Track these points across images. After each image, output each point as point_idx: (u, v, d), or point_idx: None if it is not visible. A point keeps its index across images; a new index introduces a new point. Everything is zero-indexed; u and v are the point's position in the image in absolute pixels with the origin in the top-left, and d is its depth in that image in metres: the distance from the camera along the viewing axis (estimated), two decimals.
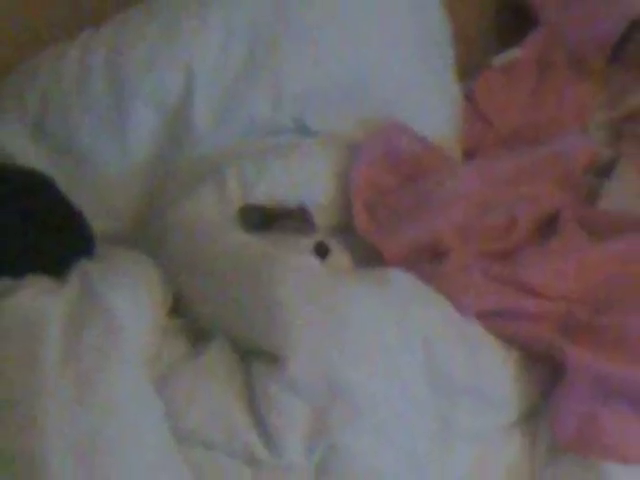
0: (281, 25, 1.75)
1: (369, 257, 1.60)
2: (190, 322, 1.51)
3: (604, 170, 1.76)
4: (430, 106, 1.87)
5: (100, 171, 1.73)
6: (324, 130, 1.77)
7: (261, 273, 1.45)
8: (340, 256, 1.61)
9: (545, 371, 1.42)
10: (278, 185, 1.67)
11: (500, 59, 2.00)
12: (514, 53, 2.00)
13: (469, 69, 1.97)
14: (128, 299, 1.44)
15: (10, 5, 1.80)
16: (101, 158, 1.73)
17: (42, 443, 1.25)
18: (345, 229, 1.66)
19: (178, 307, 1.53)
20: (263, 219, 1.62)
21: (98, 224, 1.64)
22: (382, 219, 1.65)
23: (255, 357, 1.40)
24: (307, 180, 1.69)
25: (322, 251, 1.59)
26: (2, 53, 1.79)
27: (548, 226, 1.66)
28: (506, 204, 1.66)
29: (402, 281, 1.47)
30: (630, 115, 1.86)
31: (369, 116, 1.78)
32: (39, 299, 1.42)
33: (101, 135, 1.73)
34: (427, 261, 1.56)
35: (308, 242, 1.59)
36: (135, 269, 1.53)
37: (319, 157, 1.73)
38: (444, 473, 1.38)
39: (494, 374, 1.42)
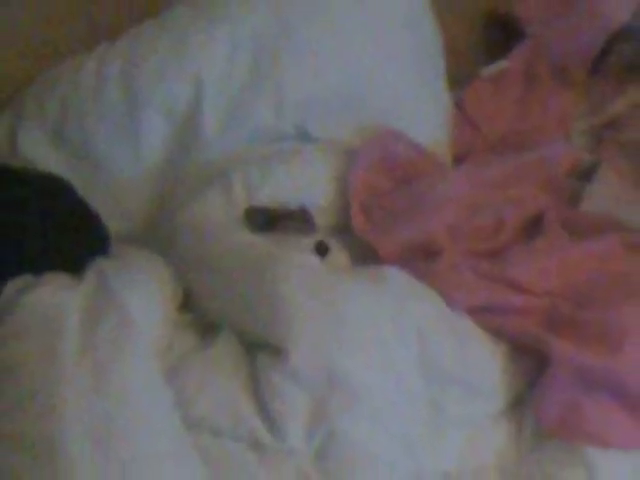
0: (283, 38, 1.74)
1: (366, 256, 1.59)
2: (199, 316, 1.51)
3: (585, 174, 1.75)
4: (423, 114, 1.86)
5: (115, 175, 1.73)
6: (324, 137, 1.77)
7: (265, 271, 1.44)
8: (339, 255, 1.60)
9: (531, 362, 1.41)
10: (281, 188, 1.66)
11: (488, 70, 2.00)
12: (501, 64, 2.00)
13: (459, 79, 1.96)
14: (141, 295, 1.43)
15: (32, 20, 1.78)
16: (115, 163, 1.73)
17: (61, 428, 1.24)
18: (343, 229, 1.65)
19: (187, 302, 1.53)
20: (267, 220, 1.61)
21: (113, 225, 1.64)
22: (378, 220, 1.64)
23: (259, 349, 1.39)
24: (308, 184, 1.69)
25: (322, 250, 1.58)
26: (24, 65, 1.78)
27: (533, 227, 1.65)
28: (494, 206, 1.66)
29: (397, 278, 1.47)
30: (610, 122, 1.86)
31: (366, 123, 1.77)
32: (58, 295, 1.41)
33: (116, 141, 1.72)
34: (420, 259, 1.55)
35: (309, 242, 1.59)
36: (147, 267, 1.52)
37: (319, 162, 1.72)
38: (436, 457, 1.36)
39: (483, 365, 1.41)
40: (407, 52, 1.84)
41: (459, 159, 1.88)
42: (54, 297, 1.41)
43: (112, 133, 1.72)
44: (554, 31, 2.00)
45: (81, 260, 1.51)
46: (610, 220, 1.62)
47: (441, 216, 1.62)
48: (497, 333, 1.43)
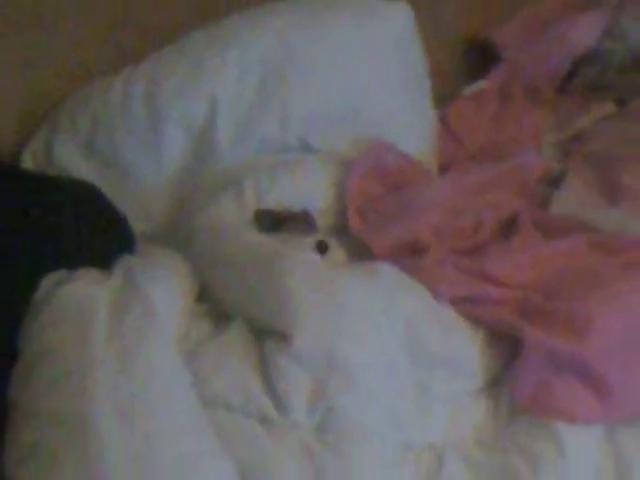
0: (287, 62, 1.74)
1: (361, 253, 1.59)
2: (213, 307, 1.50)
3: (554, 181, 1.75)
4: (411, 128, 1.86)
5: (139, 182, 1.73)
6: (324, 148, 1.76)
7: (273, 266, 1.44)
8: (337, 252, 1.60)
9: (506, 347, 1.40)
10: (286, 194, 1.66)
11: (469, 90, 2.00)
12: (480, 85, 2.00)
13: (443, 98, 1.96)
14: (162, 288, 1.43)
15: (66, 45, 1.78)
16: (140, 171, 1.73)
17: (91, 406, 1.23)
18: (341, 230, 1.65)
19: (203, 294, 1.52)
20: (273, 222, 1.61)
21: (137, 226, 1.64)
22: (371, 221, 1.64)
23: (267, 335, 1.38)
24: (310, 190, 1.69)
25: (322, 248, 1.58)
26: (59, 84, 1.78)
27: (508, 227, 1.65)
28: (474, 209, 1.65)
29: (388, 273, 1.46)
30: (575, 136, 1.86)
31: (361, 137, 1.77)
32: (89, 288, 1.41)
33: (140, 152, 1.72)
34: (409, 256, 1.55)
35: (310, 241, 1.58)
36: (168, 263, 1.52)
37: (320, 171, 1.72)
38: (422, 430, 1.36)
39: (464, 349, 1.41)
40: (397, 74, 1.84)
41: (443, 168, 1.88)
42: (86, 290, 1.41)
43: (137, 145, 1.72)
44: (527, 55, 2.00)
45: (110, 257, 1.50)
46: (576, 222, 1.62)
47: (427, 218, 1.62)
48: (476, 321, 1.43)
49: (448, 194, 1.69)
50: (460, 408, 1.39)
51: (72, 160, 1.73)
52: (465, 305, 1.44)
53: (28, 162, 1.75)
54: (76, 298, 1.39)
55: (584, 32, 2.01)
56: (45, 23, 1.76)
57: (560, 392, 1.33)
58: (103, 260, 1.49)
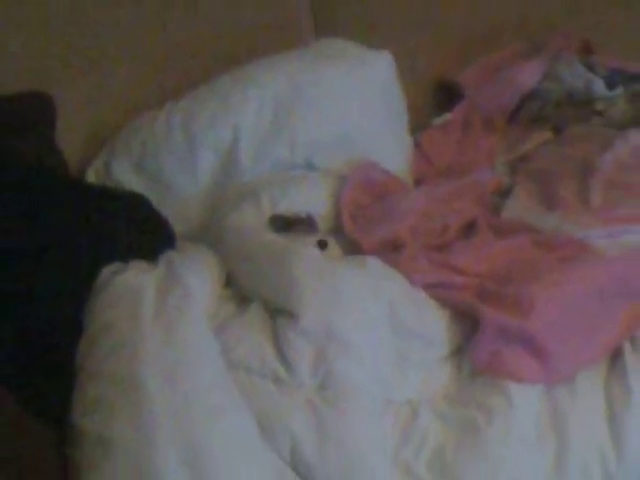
0: (295, 99, 1.74)
1: (353, 249, 1.58)
2: (237, 292, 1.50)
3: (504, 193, 1.74)
4: (392, 151, 1.85)
5: (178, 194, 1.72)
6: (324, 167, 1.76)
7: (283, 260, 1.44)
8: (334, 248, 1.60)
9: (467, 323, 1.40)
10: (294, 202, 1.65)
11: (438, 120, 1.99)
12: (447, 117, 1.99)
13: (417, 127, 1.95)
14: (197, 276, 1.43)
15: (120, 84, 1.78)
16: (179, 185, 1.72)
17: (141, 369, 1.24)
18: (337, 231, 1.64)
19: (229, 282, 1.52)
20: (284, 224, 1.61)
21: (177, 228, 1.63)
22: (361, 224, 1.63)
23: (279, 314, 1.38)
24: (312, 199, 1.68)
25: (322, 245, 1.58)
26: (115, 117, 1.78)
27: (469, 229, 1.65)
28: (442, 215, 1.65)
29: (375, 264, 1.46)
30: (521, 157, 1.86)
31: (353, 158, 1.76)
32: (139, 276, 1.41)
33: (179, 170, 1.72)
34: (390, 251, 1.54)
35: (313, 239, 1.58)
36: (201, 257, 1.52)
37: (320, 184, 1.72)
38: (402, 389, 1.36)
39: (434, 325, 1.41)
40: (381, 109, 1.83)
41: (417, 182, 1.87)
42: (136, 278, 1.41)
43: (176, 164, 1.72)
44: (483, 93, 1.99)
45: (155, 252, 1.50)
46: (522, 224, 1.61)
47: (405, 221, 1.61)
48: (444, 303, 1.43)
49: (421, 202, 1.68)
50: (431, 372, 1.39)
51: (126, 176, 1.73)
52: (435, 290, 1.44)
53: (91, 177, 1.74)
54: (128, 284, 1.39)
55: (528, 75, 2.00)
56: (105, 68, 1.77)
57: (509, 358, 1.33)
58: (150, 254, 1.49)
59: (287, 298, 1.38)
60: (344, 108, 1.77)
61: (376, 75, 1.82)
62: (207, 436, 1.19)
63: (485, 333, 1.35)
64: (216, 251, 1.55)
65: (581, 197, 1.65)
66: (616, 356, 1.33)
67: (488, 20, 2.05)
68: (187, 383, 1.24)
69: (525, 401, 1.29)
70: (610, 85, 1.91)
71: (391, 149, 1.85)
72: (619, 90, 1.95)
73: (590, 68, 1.99)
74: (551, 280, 1.40)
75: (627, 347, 1.33)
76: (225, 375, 1.30)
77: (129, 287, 1.39)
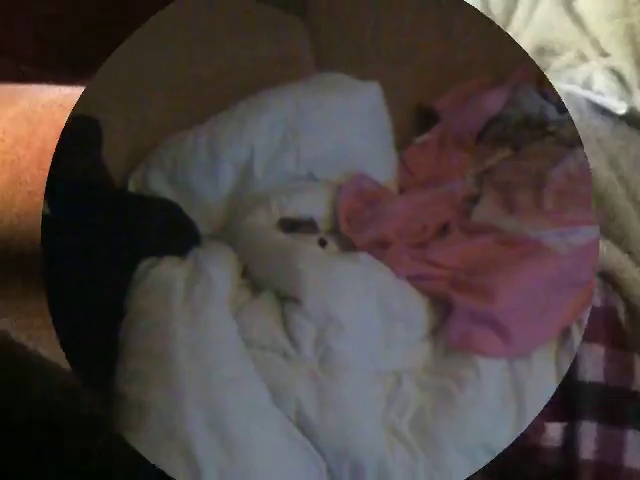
0: (300, 122, 1.72)
1: (348, 247, 1.57)
2: (251, 282, 1.49)
3: (474, 199, 1.73)
4: (380, 165, 1.84)
5: (204, 200, 1.70)
6: (324, 178, 1.75)
7: (290, 255, 1.43)
8: (332, 246, 1.59)
9: (442, 308, 1.40)
10: (299, 208, 1.64)
11: (419, 140, 1.98)
12: (426, 137, 1.98)
13: (402, 145, 1.94)
14: (219, 269, 1.42)
15: (154, 111, 1.77)
16: (204, 193, 1.70)
17: (170, 346, 1.24)
18: (335, 231, 1.63)
19: (245, 273, 1.51)
20: (291, 226, 1.60)
21: (202, 229, 1.63)
22: (355, 226, 1.63)
23: (286, 300, 1.38)
24: (314, 205, 1.67)
25: (322, 243, 1.57)
26: (150, 137, 1.76)
27: (444, 230, 1.64)
28: (421, 218, 1.64)
29: (366, 260, 1.46)
30: (487, 170, 1.85)
31: (348, 171, 1.75)
32: (171, 269, 1.41)
33: (204, 181, 1.70)
34: (379, 249, 1.53)
35: (314, 238, 1.57)
36: (222, 253, 1.51)
37: (321, 193, 1.70)
38: (388, 362, 1.35)
39: (415, 309, 1.40)
40: (371, 130, 1.82)
41: (401, 191, 1.86)
42: (169, 270, 1.41)
43: (201, 176, 1.70)
44: (456, 117, 1.98)
45: (184, 249, 1.50)
46: (488, 226, 1.60)
47: (391, 223, 1.60)
48: (423, 291, 1.42)
49: (405, 208, 1.68)
50: (412, 348, 1.38)
51: (160, 186, 1.71)
52: (415, 281, 1.44)
53: (132, 187, 1.73)
54: (162, 275, 1.39)
55: (493, 102, 1.99)
56: (141, 96, 1.76)
57: (477, 337, 1.32)
58: (180, 251, 1.49)
59: (293, 287, 1.37)
60: (341, 129, 1.76)
61: (367, 102, 1.82)
62: (226, 401, 1.18)
63: (457, 316, 1.35)
64: (234, 248, 1.55)
65: (536, 203, 1.64)
66: (565, 335, 1.33)
67: (460, 57, 2.05)
68: (210, 357, 1.24)
69: (490, 372, 1.29)
70: (560, 110, 1.91)
71: (380, 163, 1.84)
72: (568, 114, 1.94)
73: (544, 96, 1.99)
74: (512, 272, 1.39)
75: (574, 327, 1.33)
76: (242, 351, 1.29)
77: (162, 278, 1.39)
